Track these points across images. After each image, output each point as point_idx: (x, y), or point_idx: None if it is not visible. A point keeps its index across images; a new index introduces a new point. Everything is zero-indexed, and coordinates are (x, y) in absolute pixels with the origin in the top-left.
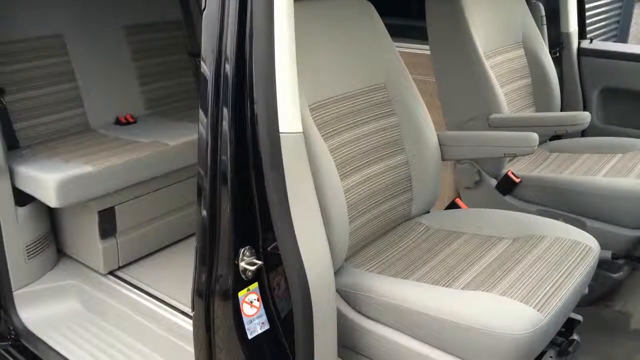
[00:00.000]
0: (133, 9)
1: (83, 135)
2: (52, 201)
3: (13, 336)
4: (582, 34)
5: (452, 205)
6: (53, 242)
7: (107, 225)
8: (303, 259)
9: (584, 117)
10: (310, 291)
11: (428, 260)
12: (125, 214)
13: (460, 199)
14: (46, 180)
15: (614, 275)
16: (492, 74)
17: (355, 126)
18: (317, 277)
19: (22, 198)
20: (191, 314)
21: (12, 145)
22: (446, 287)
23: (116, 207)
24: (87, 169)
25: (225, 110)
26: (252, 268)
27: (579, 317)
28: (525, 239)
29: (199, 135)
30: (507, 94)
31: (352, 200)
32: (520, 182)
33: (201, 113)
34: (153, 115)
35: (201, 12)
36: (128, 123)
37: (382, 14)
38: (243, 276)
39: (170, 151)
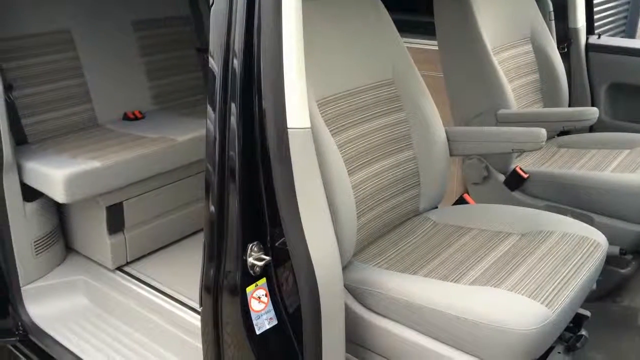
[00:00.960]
0: (141, 4)
1: (91, 130)
2: (60, 197)
3: (21, 331)
4: (590, 30)
5: (460, 201)
6: (61, 238)
7: (115, 220)
8: (311, 254)
9: (592, 112)
10: (318, 287)
11: (436, 255)
12: (134, 210)
13: (468, 194)
14: (54, 175)
15: (622, 271)
16: (500, 69)
17: (363, 122)
18: (325, 273)
19: (30, 193)
20: (199, 310)
21: (20, 141)
22: (454, 282)
23: (124, 203)
24: (95, 164)
25: (233, 106)
26: (260, 264)
27: (587, 313)
28: (533, 234)
29: (207, 130)
30: (515, 89)
31: (360, 195)
32: (529, 177)
33: (209, 109)
34: (161, 111)
35: (209, 7)
36: (136, 118)
37: (390, 9)
38: (251, 272)
39: (178, 147)
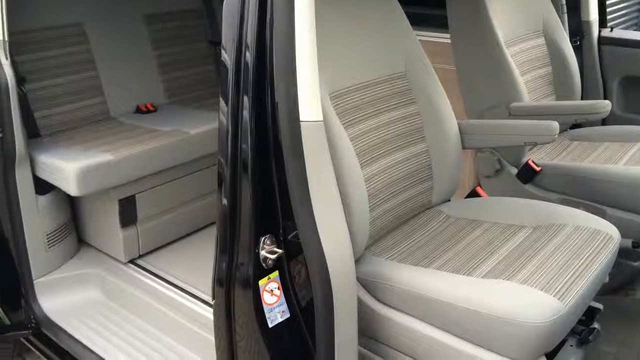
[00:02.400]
0: None
1: (103, 123)
2: (72, 190)
3: (34, 325)
4: (602, 23)
5: (473, 194)
6: (73, 231)
7: (128, 213)
8: (324, 247)
9: (605, 105)
10: (331, 280)
11: (448, 248)
12: (146, 203)
13: (481, 187)
14: (66, 168)
15: (635, 264)
16: (512, 62)
17: (375, 115)
18: (337, 266)
19: (42, 187)
20: (212, 303)
21: (33, 134)
22: (466, 275)
23: (137, 196)
24: (108, 157)
25: (245, 99)
26: (273, 256)
27: (600, 306)
28: (545, 227)
29: (220, 123)
30: (528, 82)
31: (373, 188)
32: (541, 170)
33: (222, 101)
34: (173, 104)
35: (221, 0)
36: (148, 111)
37: (403, 2)
38: (263, 265)
39: (190, 139)
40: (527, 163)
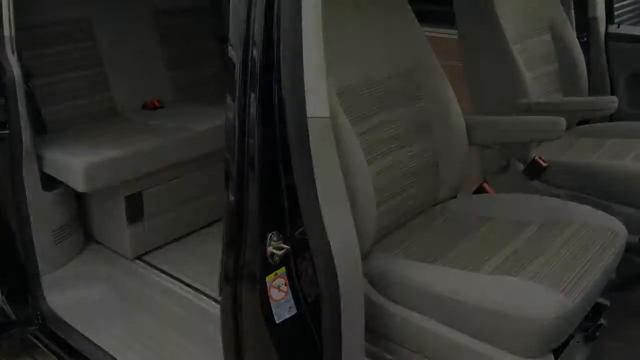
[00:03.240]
0: None
1: (110, 120)
2: (79, 186)
3: (40, 321)
4: (609, 19)
5: (480, 190)
6: (80, 227)
7: (135, 210)
8: (330, 243)
9: (611, 101)
10: (338, 276)
11: (455, 245)
12: (153, 199)
13: (488, 183)
14: (74, 165)
15: None
16: (519, 58)
17: (382, 111)
18: (344, 262)
19: (49, 183)
20: (218, 299)
21: (40, 130)
22: (473, 272)
23: (144, 192)
24: (115, 153)
25: (252, 95)
26: (280, 253)
27: (606, 302)
28: (552, 223)
29: (227, 120)
30: (535, 79)
31: (380, 184)
32: (548, 166)
33: (229, 98)
34: (180, 101)
35: None
36: (155, 108)
37: None
38: (270, 261)
39: (197, 136)
40: (534, 159)
